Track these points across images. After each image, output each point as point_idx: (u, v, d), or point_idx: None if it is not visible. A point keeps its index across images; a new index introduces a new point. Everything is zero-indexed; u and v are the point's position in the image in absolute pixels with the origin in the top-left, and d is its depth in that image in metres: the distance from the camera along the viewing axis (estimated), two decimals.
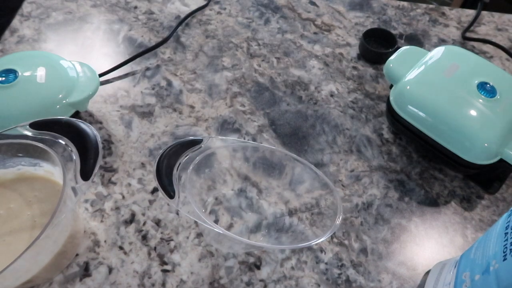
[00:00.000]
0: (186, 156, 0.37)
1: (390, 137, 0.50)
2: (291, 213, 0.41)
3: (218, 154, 0.40)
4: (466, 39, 0.62)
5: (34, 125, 0.34)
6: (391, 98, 0.46)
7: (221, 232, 0.32)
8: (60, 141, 0.34)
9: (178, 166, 0.36)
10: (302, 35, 0.61)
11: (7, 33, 0.57)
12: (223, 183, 0.43)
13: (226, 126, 0.49)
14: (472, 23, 0.63)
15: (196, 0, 0.64)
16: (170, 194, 0.33)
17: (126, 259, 0.39)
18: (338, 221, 0.35)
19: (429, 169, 0.48)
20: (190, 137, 0.39)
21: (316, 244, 0.41)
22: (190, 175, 0.37)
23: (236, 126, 0.49)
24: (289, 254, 0.40)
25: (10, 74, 0.42)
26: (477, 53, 0.59)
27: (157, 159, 0.35)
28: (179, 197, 0.33)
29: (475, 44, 0.62)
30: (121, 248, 0.39)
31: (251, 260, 0.40)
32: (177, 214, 0.42)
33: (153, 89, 0.52)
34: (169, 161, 0.35)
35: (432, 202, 0.45)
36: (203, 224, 0.32)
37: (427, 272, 0.40)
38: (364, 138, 0.50)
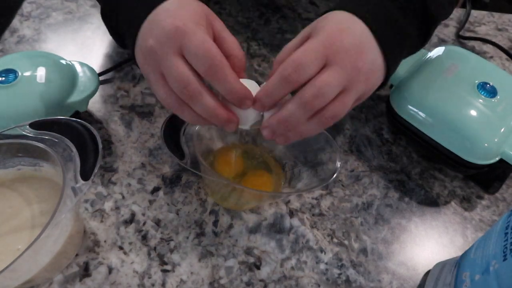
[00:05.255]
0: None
1: (390, 137, 0.50)
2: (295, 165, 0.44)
3: None
4: (460, 38, 0.62)
5: (34, 125, 0.34)
6: (391, 98, 0.46)
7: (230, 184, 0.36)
8: (60, 141, 0.34)
9: (184, 131, 0.39)
10: None
11: (7, 33, 0.57)
12: (227, 140, 0.46)
13: None
14: (465, 22, 0.64)
15: None
16: (180, 156, 0.37)
17: (126, 259, 0.39)
18: (338, 164, 0.39)
19: (429, 169, 0.48)
20: None
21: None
22: (195, 137, 0.40)
23: None
24: (289, 254, 0.40)
25: (10, 74, 0.41)
26: (477, 53, 0.59)
27: (162, 128, 0.38)
28: (189, 158, 0.37)
29: (475, 44, 0.62)
30: (121, 248, 0.39)
31: (251, 260, 0.40)
32: (178, 213, 0.42)
33: None
34: (174, 128, 0.39)
35: (432, 202, 0.45)
36: (215, 179, 0.35)
37: (427, 272, 0.40)
38: (364, 138, 0.50)
